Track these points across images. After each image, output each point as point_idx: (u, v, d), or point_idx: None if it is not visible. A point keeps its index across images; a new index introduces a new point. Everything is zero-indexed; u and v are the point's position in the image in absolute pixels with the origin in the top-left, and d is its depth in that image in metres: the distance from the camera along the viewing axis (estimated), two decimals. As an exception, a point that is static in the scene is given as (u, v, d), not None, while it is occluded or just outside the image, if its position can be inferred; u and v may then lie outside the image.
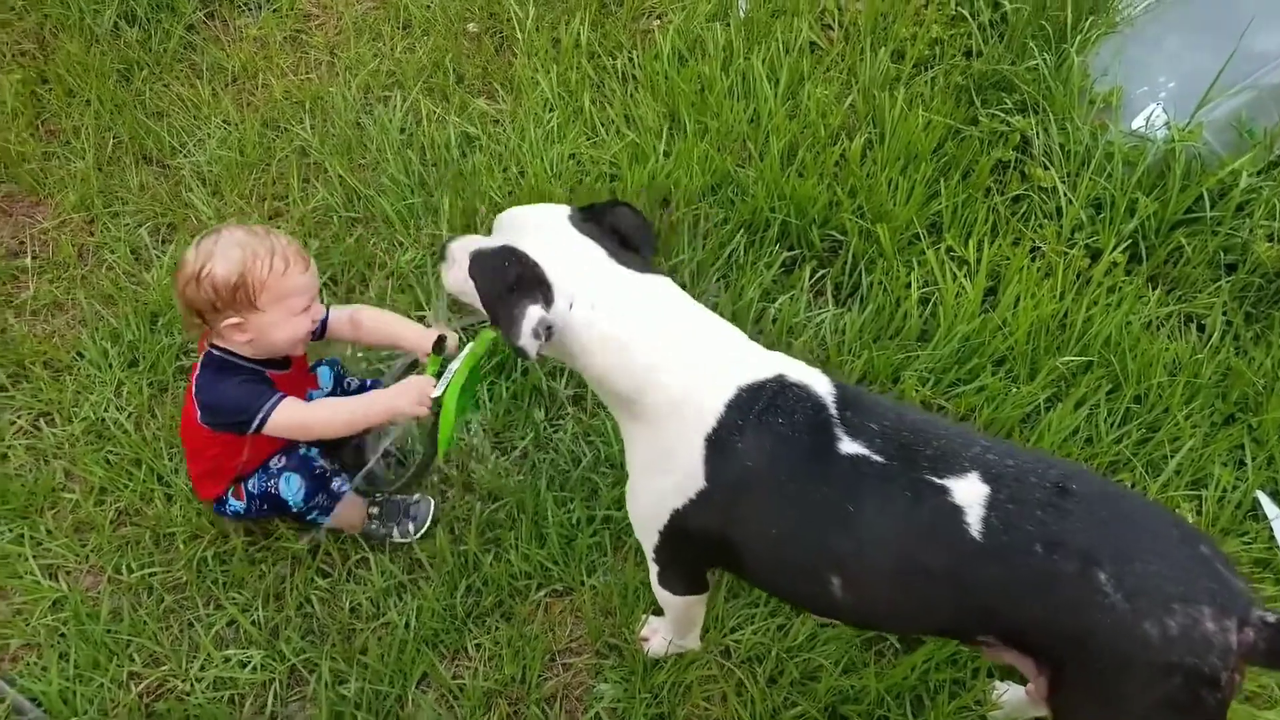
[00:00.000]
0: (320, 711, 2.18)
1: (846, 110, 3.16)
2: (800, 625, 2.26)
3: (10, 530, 2.44)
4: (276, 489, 2.29)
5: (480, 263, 1.73)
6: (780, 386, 1.65)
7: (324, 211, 3.03)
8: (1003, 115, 3.10)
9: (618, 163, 3.03)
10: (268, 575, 2.36)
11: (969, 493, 1.52)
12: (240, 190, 3.09)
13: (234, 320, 2.09)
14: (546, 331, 1.66)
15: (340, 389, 2.52)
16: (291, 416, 2.14)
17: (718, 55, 3.27)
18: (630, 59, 3.36)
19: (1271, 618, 1.43)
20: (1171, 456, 2.52)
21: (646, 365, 1.66)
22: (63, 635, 2.30)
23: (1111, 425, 2.59)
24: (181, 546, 2.40)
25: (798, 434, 1.60)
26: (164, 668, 2.25)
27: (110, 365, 2.70)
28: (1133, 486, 2.49)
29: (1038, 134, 3.01)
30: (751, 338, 2.57)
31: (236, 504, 2.32)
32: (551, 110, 3.21)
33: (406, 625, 2.28)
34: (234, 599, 2.33)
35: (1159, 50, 3.08)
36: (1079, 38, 3.08)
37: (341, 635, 2.29)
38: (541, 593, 2.37)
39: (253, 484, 2.30)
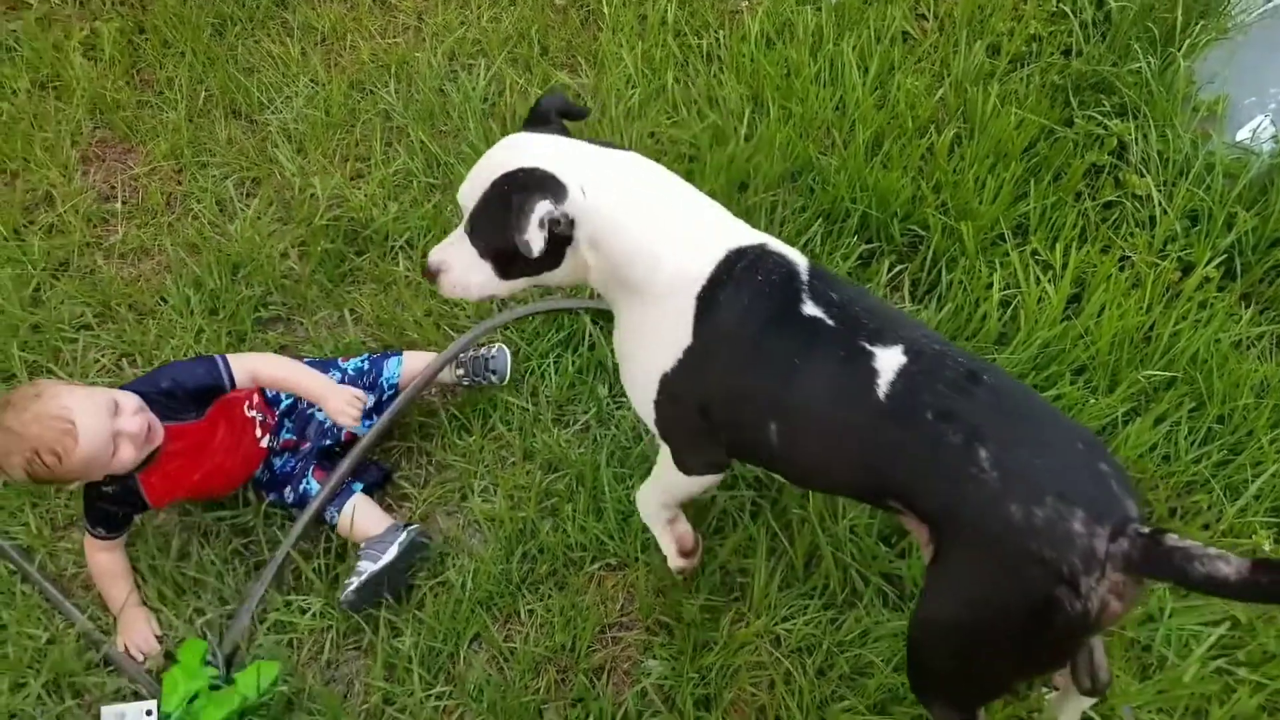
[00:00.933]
0: (375, 663, 2.22)
1: (936, 103, 3.09)
2: (854, 620, 2.24)
3: (88, 464, 2.52)
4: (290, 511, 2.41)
5: (477, 217, 1.76)
6: (762, 252, 1.76)
7: (404, 175, 3.06)
8: (1100, 118, 3.01)
9: (697, 144, 3.00)
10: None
11: (888, 360, 1.64)
12: (324, 149, 3.13)
13: (73, 485, 2.18)
14: (567, 223, 1.69)
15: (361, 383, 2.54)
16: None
17: (806, 40, 3.22)
18: (716, 39, 3.33)
19: (1146, 529, 1.46)
20: (1252, 481, 2.44)
21: (661, 238, 1.73)
22: (134, 568, 2.37)
23: (1191, 444, 2.51)
24: (252, 496, 2.46)
25: (770, 292, 1.72)
26: (227, 607, 2.31)
27: (192, 312, 2.77)
28: (1208, 508, 2.41)
29: (1135, 139, 2.92)
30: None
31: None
32: (634, 87, 3.19)
33: (463, 586, 2.31)
34: (300, 547, 2.37)
35: (1272, 59, 2.96)
36: (1187, 41, 2.97)
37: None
38: (595, 565, 2.37)
39: (271, 497, 2.43)
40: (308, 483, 2.40)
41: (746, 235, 1.81)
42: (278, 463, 2.43)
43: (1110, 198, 2.92)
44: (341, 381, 2.48)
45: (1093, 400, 2.55)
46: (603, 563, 2.38)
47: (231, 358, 2.31)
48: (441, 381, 2.60)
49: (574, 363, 2.65)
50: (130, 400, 2.14)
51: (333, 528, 2.38)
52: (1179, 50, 2.97)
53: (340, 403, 2.30)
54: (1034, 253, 2.80)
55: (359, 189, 3.01)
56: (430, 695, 2.20)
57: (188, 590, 2.35)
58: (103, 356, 2.73)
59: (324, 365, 2.51)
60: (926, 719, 2.13)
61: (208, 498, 2.42)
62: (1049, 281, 2.72)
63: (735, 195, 2.87)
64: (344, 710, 2.18)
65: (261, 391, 2.44)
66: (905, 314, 1.82)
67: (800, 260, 1.79)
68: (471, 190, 1.76)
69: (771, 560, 2.33)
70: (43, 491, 2.48)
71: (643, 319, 1.82)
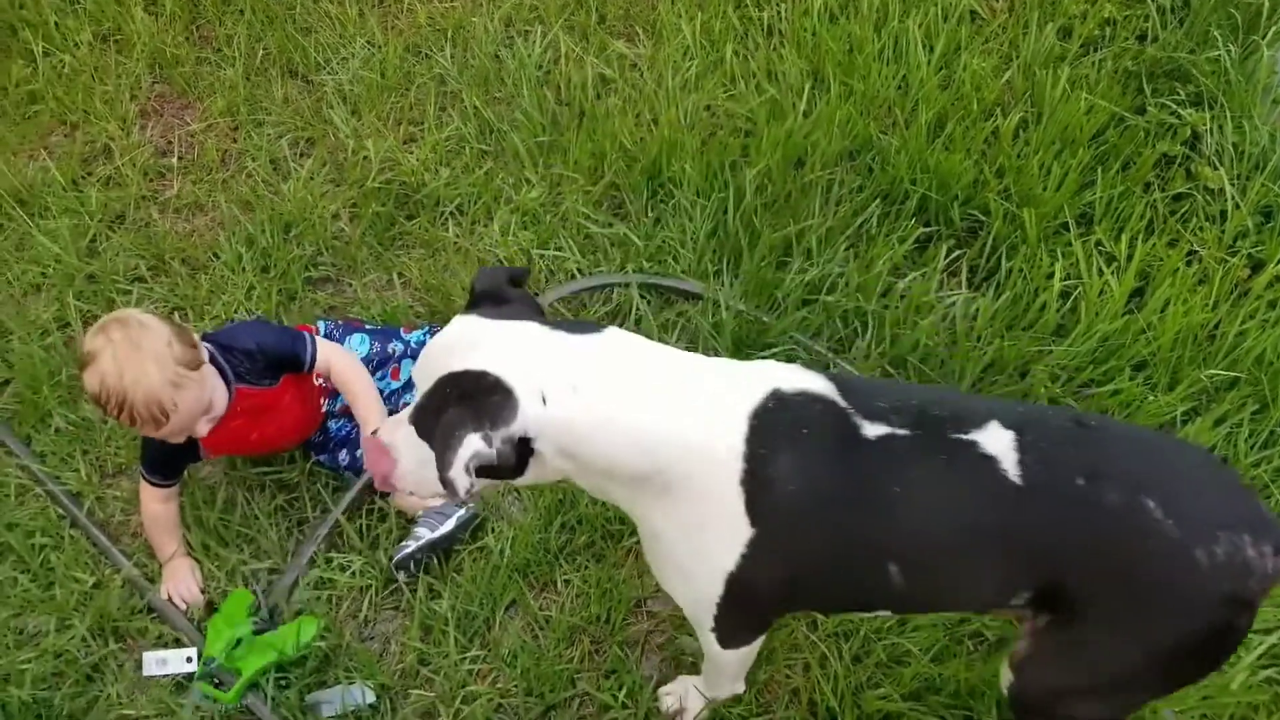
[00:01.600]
0: (412, 623, 2.23)
1: (1003, 85, 3.01)
2: (893, 608, 2.21)
3: (138, 414, 2.55)
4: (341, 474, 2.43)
5: (422, 412, 1.47)
6: (783, 401, 1.53)
7: (457, 141, 3.05)
8: (1173, 106, 2.91)
9: (754, 118, 2.96)
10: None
11: (995, 441, 1.48)
12: (378, 112, 3.13)
13: None
14: (518, 447, 1.43)
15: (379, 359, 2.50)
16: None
17: (870, 15, 3.14)
18: (778, 12, 3.27)
19: None
20: (1314, 487, 2.36)
21: (657, 431, 1.48)
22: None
23: (1252, 447, 2.43)
24: (298, 456, 2.48)
25: (820, 437, 1.51)
26: (268, 561, 2.34)
27: (243, 269, 2.79)
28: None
29: (1210, 130, 2.82)
30: (878, 314, 2.56)
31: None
32: (691, 59, 3.14)
33: (501, 552, 2.31)
34: (339, 502, 2.39)
35: (1360, 50, 2.84)
36: (1273, 29, 2.86)
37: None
38: (633, 539, 2.36)
39: (322, 458, 2.45)
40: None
41: (751, 388, 1.55)
42: (333, 426, 2.44)
43: (1180, 190, 2.83)
44: (404, 354, 2.48)
45: (1151, 398, 2.48)
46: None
47: (319, 343, 2.31)
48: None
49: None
50: (220, 403, 2.16)
51: (386, 494, 2.39)
52: (1263, 38, 2.86)
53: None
54: (1098, 243, 2.72)
55: (411, 153, 3.01)
56: (465, 658, 2.21)
57: (230, 543, 2.38)
58: (155, 309, 2.75)
59: (387, 335, 2.50)
60: (960, 711, 2.10)
61: (259, 454, 2.44)
62: (1112, 274, 2.64)
63: (791, 172, 2.82)
64: (379, 668, 2.19)
65: None
66: (941, 387, 1.68)
67: (823, 383, 1.57)
68: (419, 374, 1.52)
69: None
70: (92, 439, 2.52)
71: (674, 522, 1.58)
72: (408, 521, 2.37)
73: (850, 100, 2.95)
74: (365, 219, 2.86)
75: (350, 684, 2.18)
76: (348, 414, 2.44)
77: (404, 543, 2.29)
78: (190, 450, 2.25)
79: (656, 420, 1.48)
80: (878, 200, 2.78)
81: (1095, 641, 1.53)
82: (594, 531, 2.35)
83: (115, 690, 2.19)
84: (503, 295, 1.56)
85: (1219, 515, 1.44)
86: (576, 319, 1.55)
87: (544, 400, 1.43)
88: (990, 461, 1.46)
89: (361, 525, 2.37)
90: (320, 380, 2.38)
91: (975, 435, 1.48)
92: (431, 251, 2.83)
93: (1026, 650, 1.64)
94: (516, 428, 1.42)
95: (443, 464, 1.38)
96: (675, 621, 2.27)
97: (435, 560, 2.30)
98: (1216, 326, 2.59)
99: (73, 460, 2.50)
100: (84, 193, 2.98)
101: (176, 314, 2.76)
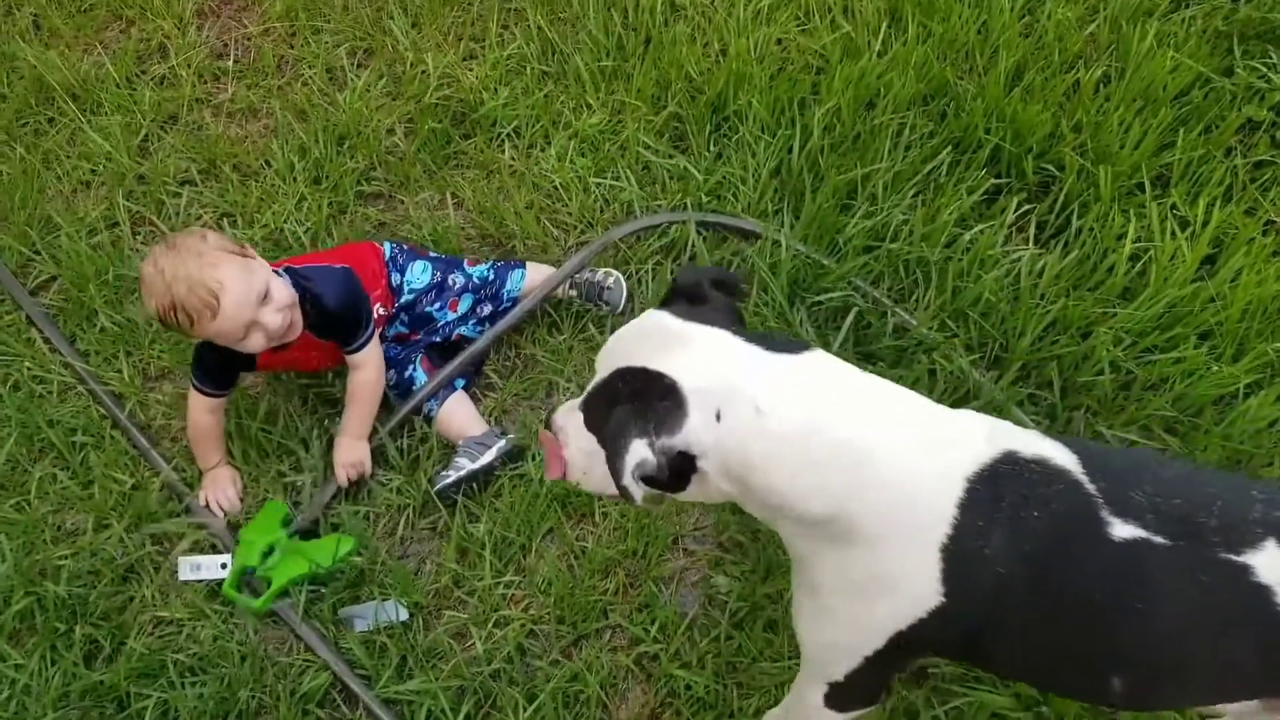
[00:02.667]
0: (449, 545, 2.22)
1: (1087, 38, 2.89)
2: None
3: (184, 318, 2.54)
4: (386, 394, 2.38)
5: (593, 401, 1.41)
6: (1016, 468, 1.36)
7: (518, 60, 2.97)
8: (1264, 69, 2.78)
9: (827, 55, 2.85)
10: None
11: (1273, 565, 1.29)
12: (439, 25, 3.05)
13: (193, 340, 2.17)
14: (680, 458, 1.33)
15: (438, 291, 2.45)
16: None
17: (953, -44, 3.02)
18: (856, -52, 3.14)
19: None
20: (1379, 469, 2.29)
21: (846, 473, 1.33)
22: (222, 426, 2.40)
23: (1317, 426, 2.35)
24: (334, 377, 2.46)
25: (1057, 524, 1.33)
26: (304, 476, 2.32)
27: (295, 178, 2.74)
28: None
29: (1301, 96, 2.70)
30: (940, 265, 2.49)
31: None
32: (765, -10, 3.03)
33: (540, 480, 2.28)
34: (381, 424, 2.37)
35: None
36: (1376, -7, 2.72)
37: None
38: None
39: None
40: (414, 369, 2.39)
41: (978, 444, 1.38)
42: (384, 349, 2.40)
43: (1263, 157, 2.72)
44: (464, 288, 2.44)
45: (1215, 367, 2.40)
46: (683, 475, 2.34)
47: (374, 341, 2.27)
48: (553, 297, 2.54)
49: (672, 271, 2.57)
50: (283, 294, 2.12)
51: (429, 420, 2.36)
52: (1365, 2, 2.72)
53: (347, 457, 2.28)
54: (1173, 206, 2.62)
55: (470, 70, 2.94)
56: (499, 583, 2.20)
57: (271, 454, 2.37)
58: (204, 213, 2.73)
59: (450, 265, 2.46)
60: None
61: (309, 371, 2.43)
62: (1185, 239, 2.55)
63: (861, 114, 2.73)
64: (414, 587, 2.19)
65: (387, 280, 2.37)
66: (1213, 471, 1.47)
67: (1066, 459, 1.37)
68: (601, 361, 1.45)
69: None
70: (137, 341, 2.51)
71: (845, 576, 1.42)
72: (447, 448, 2.35)
73: (927, 42, 2.84)
74: (421, 135, 2.80)
75: (384, 600, 2.18)
76: (402, 340, 2.44)
77: (445, 471, 2.27)
78: (243, 362, 2.23)
79: (851, 462, 1.34)
80: (949, 148, 2.69)
81: None
82: (636, 466, 2.32)
83: (149, 592, 2.20)
84: (700, 295, 1.45)
85: None
86: (781, 335, 1.42)
87: (718, 416, 1.32)
88: (1264, 592, 1.30)
89: (403, 444, 2.36)
90: (380, 308, 2.33)
91: (1246, 556, 1.30)
92: (486, 173, 2.77)
93: None
94: (679, 440, 1.32)
95: (615, 471, 1.31)
96: (711, 560, 2.25)
97: (474, 488, 2.29)
98: (1289, 300, 2.50)
99: (116, 361, 2.50)
100: (137, 91, 2.94)
101: (225, 220, 2.73)
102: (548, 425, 1.53)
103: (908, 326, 2.43)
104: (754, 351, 1.36)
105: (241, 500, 2.32)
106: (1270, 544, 1.31)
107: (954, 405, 1.59)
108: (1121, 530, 1.32)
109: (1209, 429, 2.31)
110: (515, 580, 2.22)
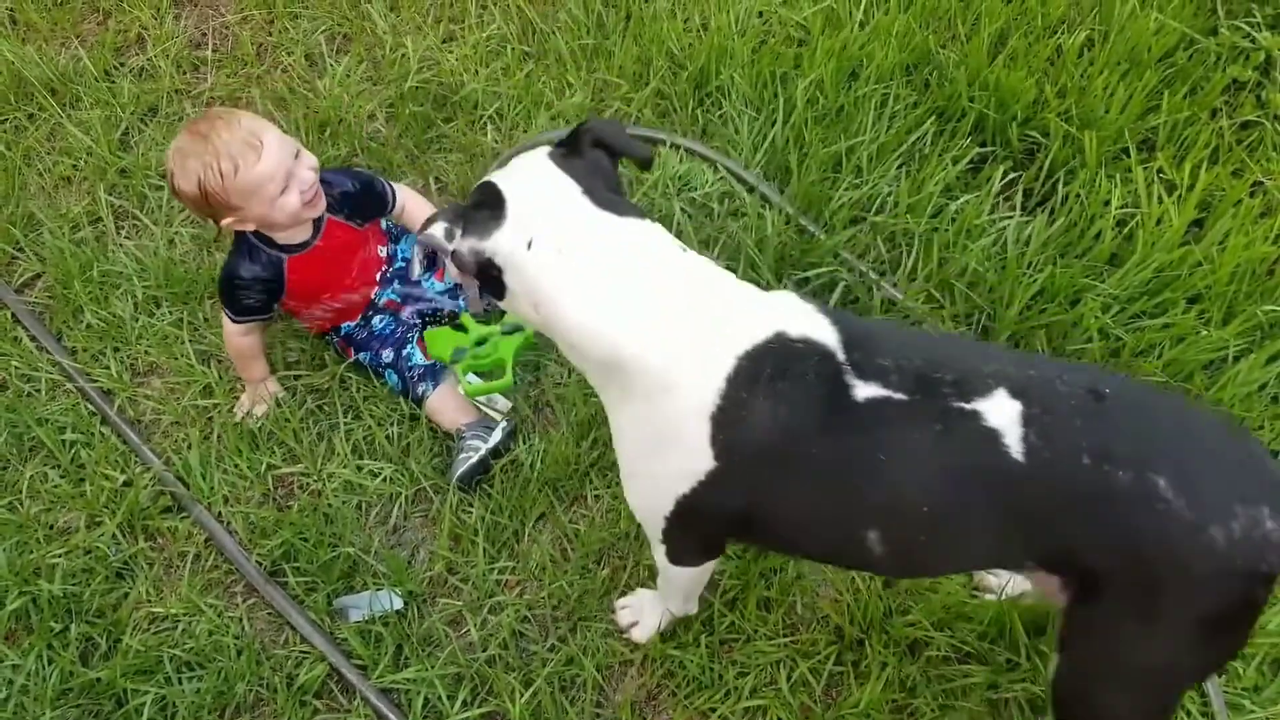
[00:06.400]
0: (441, 533, 2.23)
1: (1070, 1, 2.86)
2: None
3: (171, 313, 2.53)
4: (380, 372, 2.42)
5: (453, 208, 1.59)
6: (782, 347, 1.48)
7: (498, 41, 2.94)
8: (1248, 29, 2.76)
9: (808, 26, 2.83)
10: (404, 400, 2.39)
11: (1000, 412, 1.39)
12: (418, 8, 3.02)
13: (229, 219, 2.16)
14: (487, 264, 1.50)
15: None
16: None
17: (934, -78, 2.98)
18: (837, -84, 3.10)
19: None
20: (1369, 430, 2.29)
21: (627, 330, 1.47)
22: (210, 418, 2.39)
23: (1307, 387, 2.35)
24: (327, 358, 2.45)
25: (810, 393, 1.45)
26: (299, 465, 2.33)
27: (276, 167, 2.72)
28: (1318, 456, 2.28)
29: (1287, 54, 2.68)
30: (926, 235, 2.48)
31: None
32: (744, -38, 3.00)
33: (532, 465, 2.29)
34: (372, 411, 2.37)
35: None
36: (1362, -52, 2.69)
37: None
38: (667, 458, 2.33)
39: (362, 356, 2.42)
40: (411, 348, 2.39)
41: (756, 324, 1.50)
42: (376, 321, 2.42)
43: (1249, 117, 2.70)
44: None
45: (1204, 332, 2.40)
46: (674, 455, 2.34)
47: (397, 186, 2.44)
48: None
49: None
50: (312, 158, 2.21)
51: (419, 402, 2.36)
52: (1351, -43, 2.69)
53: None
54: (1159, 170, 2.61)
55: (450, 52, 2.91)
56: (493, 568, 2.21)
57: (261, 446, 2.37)
58: (186, 210, 2.70)
59: None
60: (991, 642, 2.08)
61: (325, 307, 2.40)
62: (1173, 202, 2.53)
63: (844, 85, 2.70)
64: (408, 575, 2.19)
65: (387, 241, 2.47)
66: (964, 339, 1.59)
67: (828, 334, 1.49)
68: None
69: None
70: (124, 337, 2.50)
71: (634, 424, 1.58)
72: (444, 435, 2.35)
73: (909, 10, 2.81)
74: (402, 120, 2.78)
75: (378, 590, 2.18)
76: (393, 310, 2.43)
77: (462, 456, 2.27)
78: (276, 286, 2.27)
79: (629, 318, 1.47)
80: (933, 117, 2.67)
81: (1115, 625, 1.47)
82: (626, 447, 2.32)
83: (144, 589, 2.20)
84: (581, 148, 1.57)
85: (1235, 489, 1.37)
86: (632, 202, 1.57)
87: (528, 245, 1.48)
88: (993, 436, 1.39)
89: (393, 433, 2.36)
90: (383, 249, 2.43)
91: (978, 404, 1.40)
92: (469, 156, 2.75)
93: (1061, 629, 1.58)
94: (486, 246, 1.50)
95: (421, 238, 1.53)
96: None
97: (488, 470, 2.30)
98: (1277, 261, 2.49)
99: (104, 358, 2.49)
100: (116, 84, 2.92)
101: (208, 212, 2.71)
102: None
103: (895, 299, 2.43)
104: (583, 204, 1.50)
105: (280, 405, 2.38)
106: (1000, 393, 1.40)
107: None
108: (864, 391, 1.43)
109: (1199, 394, 2.31)
110: (509, 566, 2.23)
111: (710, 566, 1.88)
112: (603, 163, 1.57)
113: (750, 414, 1.47)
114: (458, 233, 1.51)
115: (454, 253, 1.51)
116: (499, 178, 1.55)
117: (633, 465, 1.66)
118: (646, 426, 1.56)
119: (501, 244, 1.50)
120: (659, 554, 1.80)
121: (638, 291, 1.48)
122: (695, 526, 1.65)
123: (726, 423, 1.48)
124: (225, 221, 2.16)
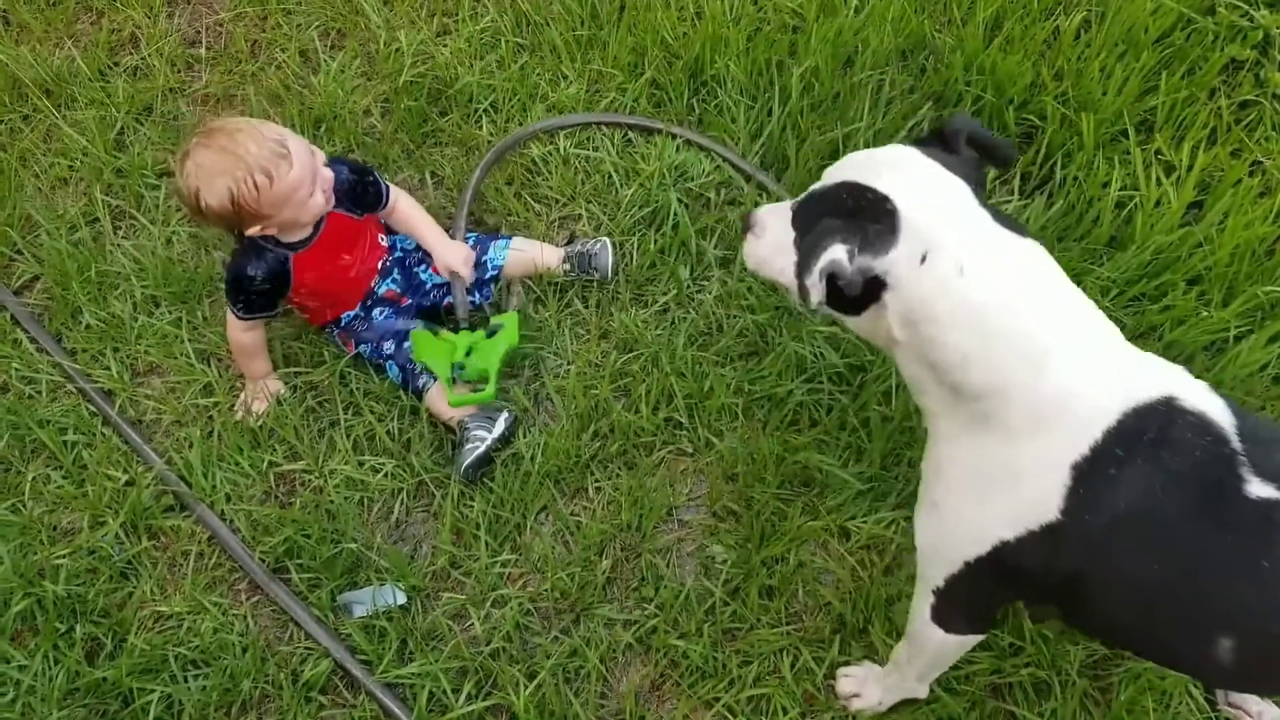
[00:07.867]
0: (443, 527, 2.23)
1: (1066, -18, 2.85)
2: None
3: (170, 312, 2.53)
4: (381, 365, 2.41)
5: (808, 203, 1.44)
6: (1171, 412, 1.36)
7: (492, 34, 2.93)
8: (1245, 7, 2.74)
9: (803, 13, 2.81)
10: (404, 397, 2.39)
11: None
12: (412, 2, 3.01)
13: (257, 227, 2.15)
14: (871, 283, 1.35)
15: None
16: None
17: (928, -94, 2.96)
18: (830, -98, 3.08)
19: None
20: (1371, 410, 2.28)
21: (1020, 358, 1.35)
22: (211, 417, 2.40)
23: (1308, 367, 2.34)
24: (326, 354, 2.45)
25: (1195, 472, 1.33)
26: (301, 462, 2.33)
27: (272, 164, 2.72)
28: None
29: (1285, 33, 2.66)
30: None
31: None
32: (738, -50, 2.98)
33: (533, 458, 2.29)
34: (372, 407, 2.37)
35: None
36: (1360, -77, 2.67)
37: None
38: (666, 450, 2.33)
39: (363, 349, 2.41)
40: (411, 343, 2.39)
41: (1146, 380, 1.40)
42: (376, 313, 2.42)
43: (1248, 97, 2.68)
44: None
45: (1205, 313, 2.39)
46: (674, 447, 2.34)
47: (389, 184, 2.44)
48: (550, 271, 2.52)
49: (656, 242, 2.55)
50: (321, 154, 2.21)
51: (420, 394, 2.36)
52: (1349, -67, 2.67)
53: (456, 256, 2.40)
54: (1157, 152, 2.59)
55: (444, 46, 2.90)
56: (496, 562, 2.21)
57: (263, 443, 2.37)
58: (182, 207, 2.70)
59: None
60: (994, 632, 2.08)
61: (330, 297, 2.40)
62: (1171, 184, 2.52)
63: (840, 72, 2.69)
64: (410, 570, 2.20)
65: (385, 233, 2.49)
66: None
67: (1223, 415, 1.37)
68: (830, 172, 1.47)
69: (847, 456, 2.27)
70: (123, 337, 2.50)
71: (973, 456, 1.44)
72: (445, 428, 2.35)
73: (905, -5, 2.80)
74: (397, 115, 2.77)
75: (381, 585, 2.19)
76: (393, 301, 2.43)
77: (469, 447, 2.26)
78: (280, 282, 2.26)
79: (1025, 348, 1.35)
80: (930, 102, 2.66)
81: None
82: (625, 440, 2.32)
83: (148, 588, 2.21)
84: (954, 145, 1.46)
85: None
86: (1013, 217, 1.49)
87: (923, 259, 1.34)
88: None
89: (393, 428, 2.36)
90: (384, 238, 2.46)
91: None
92: (465, 150, 2.75)
93: None
94: (879, 264, 1.35)
95: (804, 265, 1.35)
96: (706, 529, 2.26)
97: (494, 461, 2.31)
98: (1277, 241, 2.48)
99: (104, 358, 2.49)
100: (110, 84, 2.91)
101: (205, 211, 2.71)
102: (746, 225, 1.59)
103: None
104: (981, 215, 1.37)
105: (280, 402, 2.38)
106: None
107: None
108: (1260, 490, 1.31)
109: (1201, 376, 2.29)
110: (511, 559, 2.23)
111: (968, 644, 1.73)
112: (978, 165, 1.47)
113: (1120, 474, 1.35)
114: (858, 258, 1.34)
115: (849, 279, 1.36)
116: (879, 181, 1.38)
117: (949, 499, 1.51)
118: (989, 461, 1.43)
119: (898, 260, 1.35)
120: (921, 610, 1.65)
121: (1039, 322, 1.36)
122: (993, 583, 1.51)
123: (1091, 477, 1.36)
124: (252, 230, 2.16)
